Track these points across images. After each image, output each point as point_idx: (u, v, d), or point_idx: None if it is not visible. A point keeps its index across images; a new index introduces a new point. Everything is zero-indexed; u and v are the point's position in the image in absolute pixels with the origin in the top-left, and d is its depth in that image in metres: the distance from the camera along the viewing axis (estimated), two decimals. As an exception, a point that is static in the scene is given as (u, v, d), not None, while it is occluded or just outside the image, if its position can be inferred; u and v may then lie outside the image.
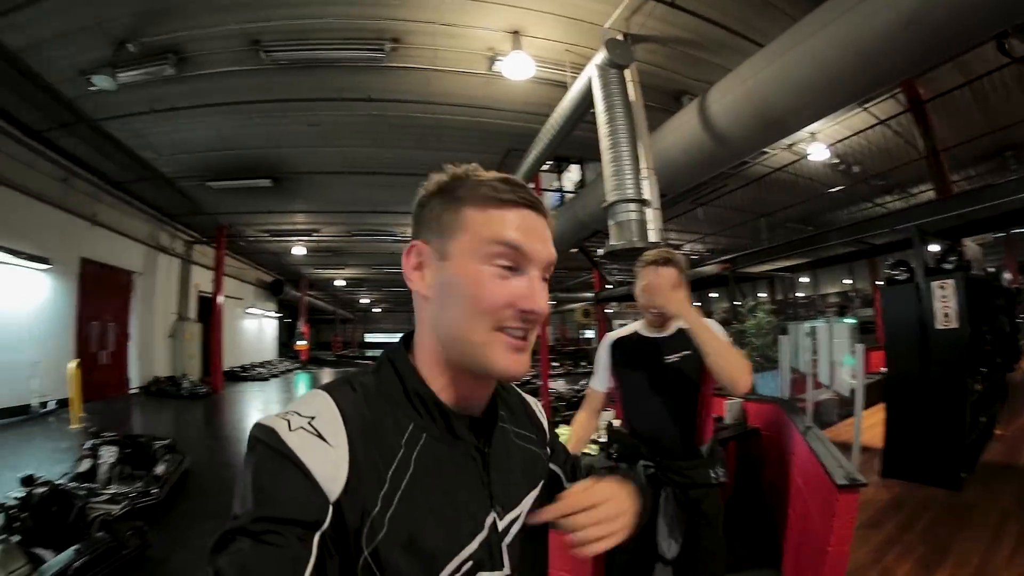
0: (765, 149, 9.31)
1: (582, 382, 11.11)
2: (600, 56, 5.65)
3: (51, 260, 11.08)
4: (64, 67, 7.73)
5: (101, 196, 12.55)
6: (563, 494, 0.85)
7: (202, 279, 17.80)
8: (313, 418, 0.71)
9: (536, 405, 1.13)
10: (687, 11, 6.61)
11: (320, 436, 0.69)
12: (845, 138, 9.56)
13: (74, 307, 12.10)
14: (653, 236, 5.35)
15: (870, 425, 6.17)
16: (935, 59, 4.79)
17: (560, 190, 12.47)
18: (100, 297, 13.26)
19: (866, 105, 9.07)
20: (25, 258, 10.39)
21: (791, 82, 5.29)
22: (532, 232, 0.80)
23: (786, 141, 9.72)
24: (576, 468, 1.18)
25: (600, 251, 5.57)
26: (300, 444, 0.67)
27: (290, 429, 0.68)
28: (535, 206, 0.82)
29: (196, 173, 11.70)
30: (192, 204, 14.06)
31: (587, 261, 12.78)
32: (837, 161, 10.67)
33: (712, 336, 2.07)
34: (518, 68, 7.11)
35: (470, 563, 0.77)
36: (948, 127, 8.70)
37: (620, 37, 6.51)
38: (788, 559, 3.39)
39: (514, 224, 0.79)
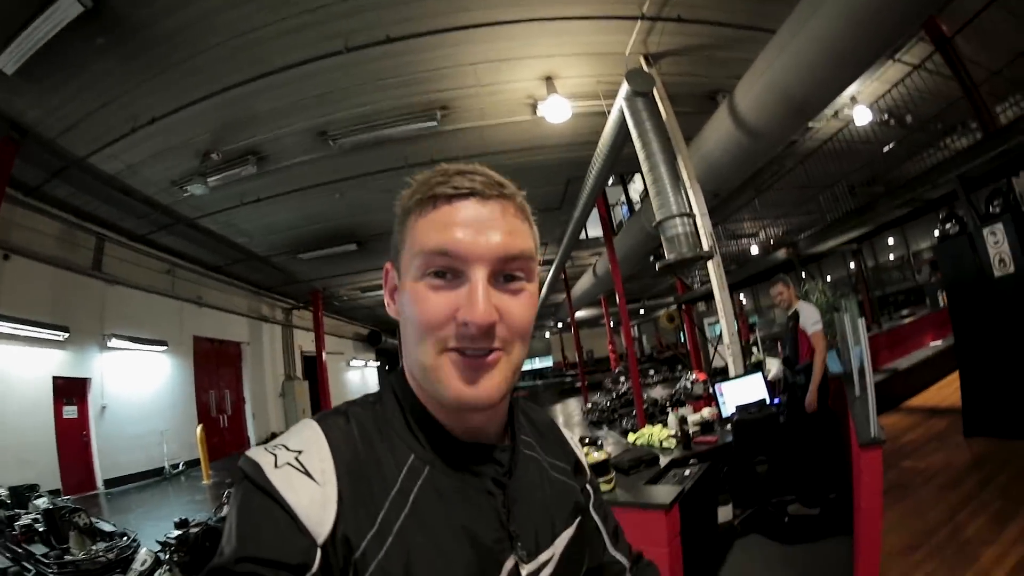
0: (810, 124, 9.31)
1: (678, 385, 11.41)
2: (625, 88, 6.04)
3: (168, 342, 12.78)
4: (158, 181, 8.97)
5: (204, 280, 14.06)
6: None
7: (304, 340, 19.14)
8: (300, 452, 0.66)
9: (572, 439, 1.01)
10: (694, 21, 6.85)
11: (307, 473, 0.64)
12: (885, 92, 9.35)
13: (192, 379, 13.76)
14: (705, 244, 5.63)
15: (957, 388, 5.83)
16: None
17: (628, 203, 12.81)
18: (214, 368, 14.89)
19: (896, 56, 8.86)
20: (146, 343, 12.07)
21: (804, 66, 5.39)
22: (470, 225, 0.67)
23: (829, 111, 9.66)
24: (618, 533, 1.01)
25: (657, 266, 5.94)
26: (285, 482, 0.62)
27: (276, 466, 0.64)
28: (476, 192, 0.69)
29: (287, 248, 12.87)
30: (287, 275, 15.32)
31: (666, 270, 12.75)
32: (887, 117, 10.39)
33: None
34: (556, 111, 7.55)
35: None
36: (987, 54, 8.02)
37: (642, 59, 6.93)
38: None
39: (444, 223, 0.68)
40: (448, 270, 0.67)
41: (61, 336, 9.73)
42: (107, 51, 6.06)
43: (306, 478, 0.63)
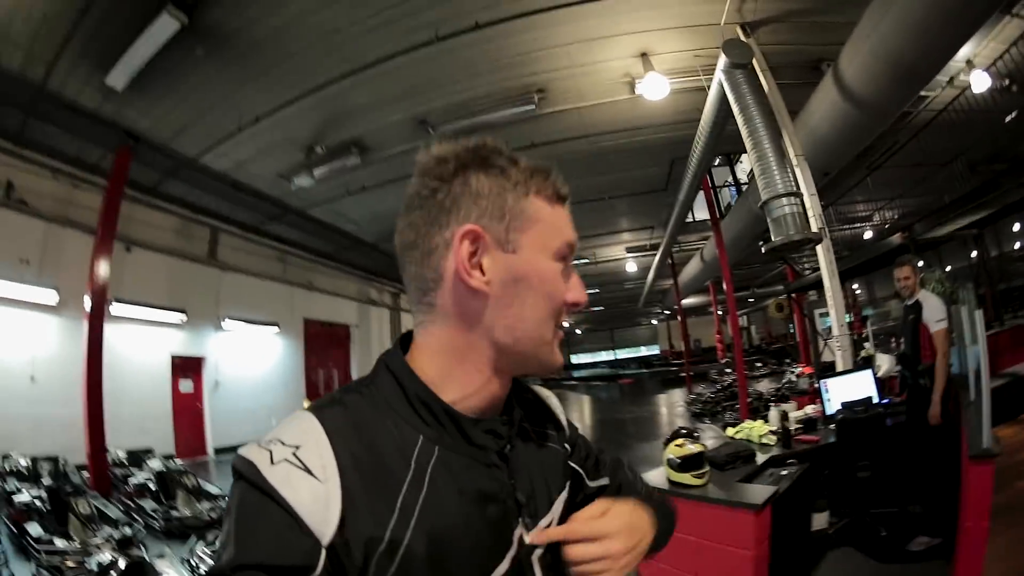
0: (923, 93, 8.65)
1: (784, 380, 10.95)
2: (723, 60, 5.81)
3: (279, 323, 13.66)
4: (266, 175, 9.58)
5: (314, 267, 14.86)
6: (573, 516, 0.79)
7: (411, 324, 19.57)
8: (298, 447, 0.63)
9: (550, 399, 1.02)
10: (791, -17, 6.38)
11: (306, 469, 0.61)
12: (1004, 53, 8.42)
13: (301, 359, 14.74)
14: (814, 225, 5.37)
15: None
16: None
17: (736, 183, 12.46)
18: (323, 348, 15.71)
19: (1013, 10, 7.83)
20: (259, 324, 13.01)
21: (910, 26, 4.97)
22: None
23: (943, 77, 8.80)
24: (599, 463, 1.02)
25: (763, 248, 5.74)
26: (283, 480, 0.60)
27: (272, 462, 0.61)
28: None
29: (393, 235, 13.19)
30: (394, 261, 15.62)
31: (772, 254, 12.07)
32: (1007, 82, 9.23)
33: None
34: (654, 88, 7.32)
35: None
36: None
37: (738, 29, 6.57)
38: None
39: (569, 221, 0.78)
40: (567, 260, 0.77)
41: (179, 319, 10.66)
42: (207, 60, 6.49)
43: (306, 474, 0.61)
